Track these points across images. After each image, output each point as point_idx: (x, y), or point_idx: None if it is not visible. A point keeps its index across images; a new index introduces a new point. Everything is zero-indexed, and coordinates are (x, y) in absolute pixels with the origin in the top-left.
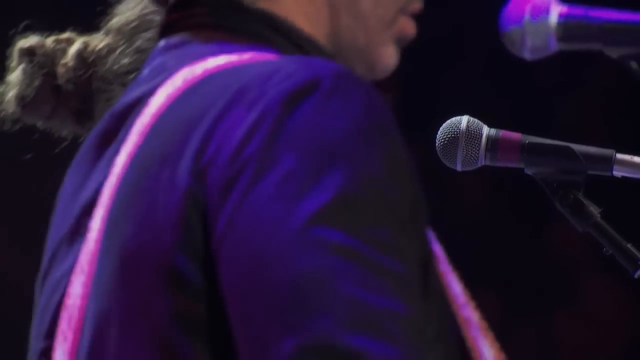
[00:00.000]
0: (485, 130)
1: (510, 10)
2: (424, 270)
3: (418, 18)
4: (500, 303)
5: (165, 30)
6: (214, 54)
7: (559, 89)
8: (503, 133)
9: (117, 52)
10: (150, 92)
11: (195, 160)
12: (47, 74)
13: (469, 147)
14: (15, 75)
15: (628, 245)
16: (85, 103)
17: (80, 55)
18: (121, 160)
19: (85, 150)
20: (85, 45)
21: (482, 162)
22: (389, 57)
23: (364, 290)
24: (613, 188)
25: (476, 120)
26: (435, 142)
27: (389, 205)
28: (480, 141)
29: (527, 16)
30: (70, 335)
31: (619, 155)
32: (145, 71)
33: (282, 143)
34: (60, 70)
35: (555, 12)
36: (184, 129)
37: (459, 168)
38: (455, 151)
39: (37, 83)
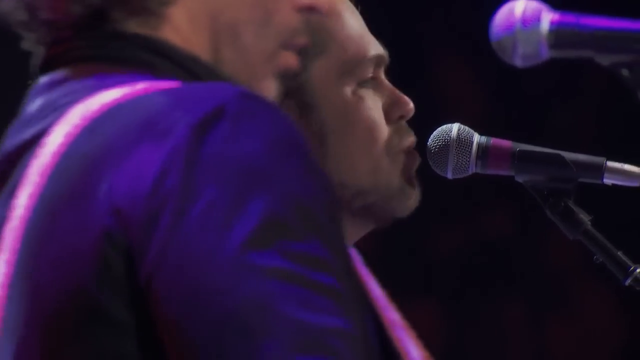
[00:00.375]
0: (476, 137)
1: (500, 17)
2: (350, 277)
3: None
4: (493, 309)
5: (45, 66)
6: (105, 87)
7: (551, 97)
8: (494, 141)
9: None
10: (44, 132)
11: (110, 198)
12: None
13: (460, 155)
14: None
15: (618, 253)
16: None
17: None
18: (22, 202)
19: None
20: None
21: (472, 169)
22: (268, 91)
23: (306, 311)
24: (603, 196)
25: (467, 127)
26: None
27: (313, 219)
28: (471, 149)
29: (518, 24)
30: None
31: (610, 163)
32: (31, 110)
33: (199, 175)
34: None
35: (547, 20)
36: (92, 168)
37: (449, 176)
38: (446, 159)
39: None
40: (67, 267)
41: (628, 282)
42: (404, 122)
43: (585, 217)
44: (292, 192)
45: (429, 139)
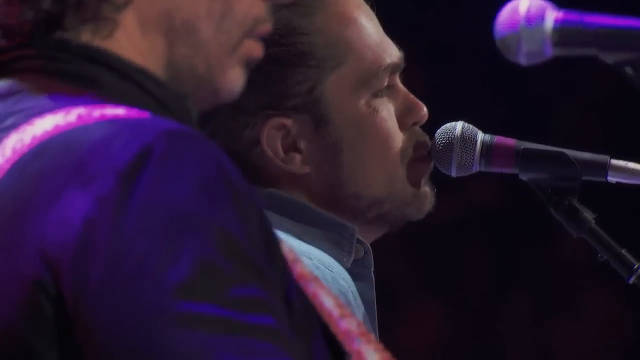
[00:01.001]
0: (480, 135)
1: (505, 15)
2: (289, 306)
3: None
4: (501, 309)
5: None
6: (41, 112)
7: (555, 95)
8: (498, 139)
9: None
10: None
11: (40, 246)
12: None
13: (464, 152)
14: None
15: (622, 251)
16: None
17: None
18: None
19: None
20: None
21: (476, 167)
22: (233, 81)
23: (245, 357)
24: (607, 193)
25: (471, 125)
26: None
27: (246, 258)
28: (475, 147)
29: (522, 21)
30: None
31: (614, 161)
32: None
33: (128, 226)
34: None
35: (551, 18)
36: (21, 211)
37: (453, 174)
38: (450, 157)
39: None
40: None
41: (632, 280)
42: (418, 127)
43: (589, 216)
44: (222, 232)
45: (433, 137)
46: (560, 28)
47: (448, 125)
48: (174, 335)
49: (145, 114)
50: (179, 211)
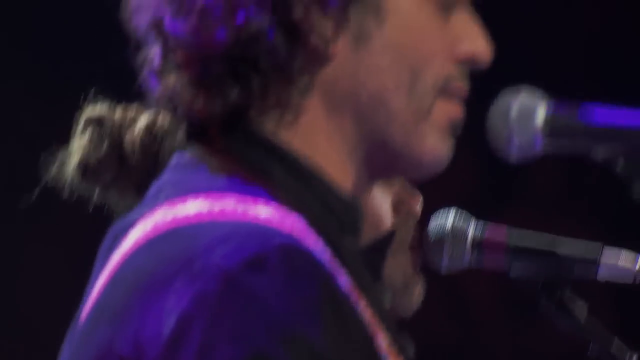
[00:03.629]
0: (471, 231)
1: (497, 107)
2: None
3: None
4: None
5: (187, 138)
6: (197, 193)
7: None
8: (488, 233)
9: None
10: (133, 223)
11: (136, 331)
12: (114, 143)
13: (455, 249)
14: (80, 143)
15: (615, 340)
16: (148, 177)
17: (149, 129)
18: (94, 291)
19: (100, 252)
20: (154, 120)
21: (467, 263)
22: (434, 149)
23: None
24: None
25: (462, 217)
26: None
27: None
28: (465, 244)
29: (514, 114)
30: None
31: (605, 257)
32: (152, 189)
33: (224, 327)
34: (128, 141)
35: (543, 109)
36: (133, 290)
37: (443, 271)
38: (441, 251)
39: (103, 151)
40: None
41: None
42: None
43: (581, 309)
44: (313, 353)
45: (428, 227)
46: (552, 121)
47: (440, 217)
48: None
49: (296, 220)
50: (275, 323)
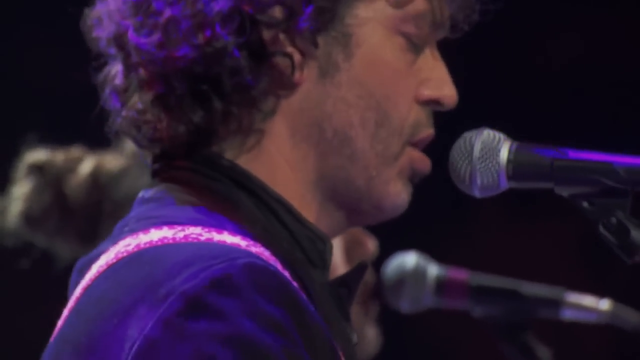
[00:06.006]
0: (432, 271)
1: (458, 147)
2: None
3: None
4: None
5: (153, 175)
6: (162, 224)
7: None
8: (450, 274)
9: (132, 175)
10: (97, 256)
11: (106, 352)
12: (56, 192)
13: (415, 291)
14: (21, 191)
15: None
16: (92, 224)
17: (93, 177)
18: (59, 323)
19: (70, 287)
20: (99, 166)
21: (428, 303)
22: (396, 194)
23: None
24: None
25: (422, 262)
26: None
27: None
28: (426, 285)
29: (476, 153)
30: None
31: (569, 298)
32: (117, 226)
33: (186, 351)
34: (70, 190)
35: (506, 150)
36: (97, 322)
37: (404, 309)
38: (400, 294)
39: (45, 201)
40: None
41: None
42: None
43: (545, 354)
44: None
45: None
46: (515, 160)
47: (399, 258)
48: None
49: (263, 250)
50: (241, 342)
